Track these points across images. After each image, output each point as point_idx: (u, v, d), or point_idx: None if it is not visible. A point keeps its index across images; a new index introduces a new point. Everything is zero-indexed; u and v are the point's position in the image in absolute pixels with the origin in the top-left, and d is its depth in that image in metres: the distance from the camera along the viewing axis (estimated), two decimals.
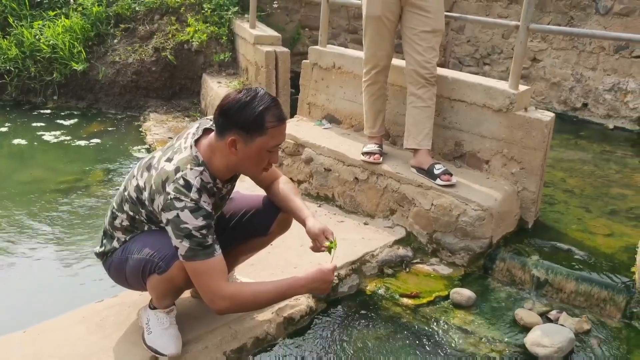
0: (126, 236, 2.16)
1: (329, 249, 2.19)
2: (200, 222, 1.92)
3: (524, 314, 2.69)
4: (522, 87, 3.24)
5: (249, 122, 1.93)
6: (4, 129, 5.11)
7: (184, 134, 2.12)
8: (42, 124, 5.33)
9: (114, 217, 2.16)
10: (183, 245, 1.92)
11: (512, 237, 3.21)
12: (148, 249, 2.06)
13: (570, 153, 4.77)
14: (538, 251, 3.04)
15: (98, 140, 5.04)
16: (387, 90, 3.54)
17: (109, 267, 2.23)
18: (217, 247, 1.98)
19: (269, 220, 2.34)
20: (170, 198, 1.91)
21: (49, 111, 5.75)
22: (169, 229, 1.94)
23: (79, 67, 5.88)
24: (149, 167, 2.05)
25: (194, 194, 1.93)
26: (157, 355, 2.15)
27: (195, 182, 1.95)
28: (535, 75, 6.16)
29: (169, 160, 2.00)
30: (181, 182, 1.93)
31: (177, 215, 1.90)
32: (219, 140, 1.99)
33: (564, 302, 2.82)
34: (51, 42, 5.92)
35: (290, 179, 3.79)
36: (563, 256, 3.01)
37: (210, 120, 2.11)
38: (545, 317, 2.71)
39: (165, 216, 1.93)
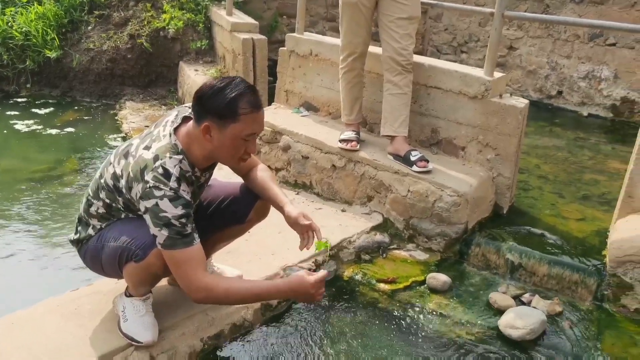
0: (102, 223, 2.14)
1: (320, 246, 2.19)
2: (179, 211, 1.91)
3: (498, 297, 2.73)
4: (497, 74, 3.27)
5: (221, 108, 1.92)
6: None
7: (162, 121, 2.10)
8: (16, 113, 5.23)
9: (89, 204, 2.14)
10: (162, 234, 1.91)
11: (488, 222, 3.25)
12: (125, 237, 2.04)
13: (545, 140, 4.84)
14: (512, 236, 3.09)
15: (73, 129, 4.96)
16: (364, 78, 3.54)
17: (84, 255, 2.21)
18: (195, 235, 1.97)
19: (246, 207, 2.33)
20: (149, 186, 1.89)
21: (23, 100, 5.65)
22: (147, 217, 1.92)
23: (52, 55, 5.78)
24: (126, 155, 2.03)
25: (173, 183, 1.91)
26: (133, 343, 2.14)
27: (174, 170, 1.93)
28: (512, 64, 6.22)
29: (147, 148, 1.98)
30: (160, 170, 1.91)
31: (156, 204, 1.89)
32: (196, 128, 1.98)
33: (537, 286, 2.88)
34: (24, 29, 5.80)
35: (268, 166, 3.79)
36: (537, 241, 3.06)
37: (189, 108, 2.09)
38: (518, 300, 2.76)
39: (144, 204, 1.91)
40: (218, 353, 2.32)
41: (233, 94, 1.92)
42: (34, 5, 5.96)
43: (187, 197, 1.95)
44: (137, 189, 1.93)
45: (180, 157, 1.98)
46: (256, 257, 2.82)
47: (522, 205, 3.46)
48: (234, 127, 1.94)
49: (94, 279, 2.46)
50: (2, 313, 2.27)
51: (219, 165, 2.28)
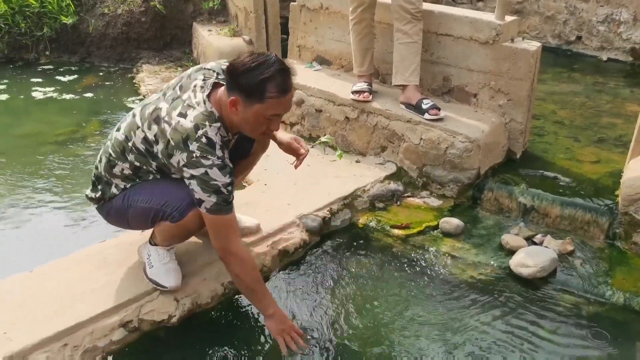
0: (126, 184, 2.21)
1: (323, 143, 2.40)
2: (227, 179, 2.01)
3: (509, 239, 2.79)
4: (509, 18, 3.24)
5: (250, 88, 1.95)
6: (1, 87, 5.14)
7: (189, 84, 2.12)
8: (39, 80, 5.34)
9: (111, 164, 2.19)
10: (210, 200, 2.00)
11: (500, 167, 3.28)
12: (157, 199, 2.14)
13: (562, 86, 4.78)
14: (525, 180, 3.11)
15: (93, 94, 5.06)
16: (375, 29, 3.54)
17: (108, 211, 2.29)
18: (233, 202, 2.09)
19: (249, 142, 2.40)
20: (196, 156, 1.96)
21: (47, 67, 5.74)
22: (193, 183, 2.00)
23: (68, 21, 5.83)
24: (157, 120, 2.06)
25: (218, 151, 1.99)
26: (158, 288, 2.27)
27: (216, 139, 2.00)
28: (530, 10, 6.08)
29: (183, 115, 2.02)
30: (204, 140, 1.97)
31: (206, 173, 1.97)
32: (226, 97, 2.02)
33: (550, 227, 2.92)
34: None
35: (283, 121, 3.86)
36: (550, 184, 3.08)
37: (212, 70, 2.15)
38: (530, 241, 2.82)
39: (190, 172, 1.98)
40: (238, 297, 2.44)
41: (263, 76, 1.93)
42: None
43: (230, 164, 2.04)
44: (180, 157, 1.99)
45: (219, 124, 2.03)
46: (273, 207, 2.91)
47: (536, 150, 3.47)
48: (259, 107, 1.98)
49: (119, 232, 2.57)
50: (34, 264, 2.41)
51: None
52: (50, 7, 5.83)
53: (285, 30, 4.68)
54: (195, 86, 2.10)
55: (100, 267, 2.38)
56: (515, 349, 2.23)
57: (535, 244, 2.78)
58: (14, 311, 2.12)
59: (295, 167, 2.43)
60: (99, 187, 2.27)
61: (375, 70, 3.66)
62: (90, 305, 2.16)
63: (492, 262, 2.70)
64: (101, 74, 5.66)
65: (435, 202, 3.16)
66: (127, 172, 2.19)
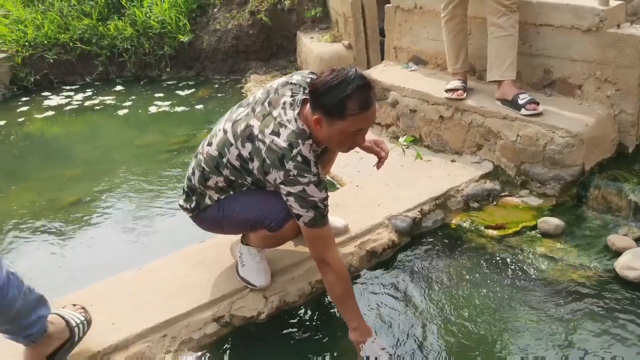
0: (220, 195, 2.30)
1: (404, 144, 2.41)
2: (324, 194, 2.09)
3: (616, 240, 2.59)
4: (614, 3, 3.01)
5: (331, 107, 1.99)
6: (129, 102, 5.68)
7: (278, 101, 2.16)
8: (161, 95, 5.82)
9: (205, 177, 2.28)
10: (307, 215, 2.09)
11: (610, 163, 3.05)
12: (255, 211, 2.25)
13: None
14: (637, 176, 2.87)
15: (204, 105, 5.42)
16: (469, 24, 3.45)
17: (202, 220, 2.41)
18: (328, 216, 2.16)
19: None
20: (293, 174, 2.04)
21: (169, 82, 6.24)
22: (290, 199, 2.08)
23: (185, 39, 6.29)
24: (250, 138, 2.13)
25: (314, 169, 2.07)
26: (248, 286, 2.39)
27: (310, 156, 2.07)
28: None
29: (276, 134, 2.08)
30: (299, 159, 2.04)
31: (304, 190, 2.05)
32: (311, 115, 2.07)
33: None
34: (160, 18, 6.37)
35: (378, 123, 3.88)
36: None
37: (297, 84, 2.19)
38: None
39: (288, 189, 2.07)
40: (325, 297, 2.49)
41: (344, 94, 1.96)
42: None
43: (324, 179, 2.13)
44: (277, 175, 2.07)
45: (310, 141, 2.09)
46: (363, 208, 2.93)
47: None
48: (342, 124, 2.01)
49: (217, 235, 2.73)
50: (140, 263, 2.64)
51: None
52: (170, 27, 6.34)
53: (383, 33, 4.69)
54: (284, 103, 2.15)
55: (198, 266, 2.55)
56: None
57: None
58: (123, 304, 2.35)
59: (377, 168, 2.44)
60: (193, 197, 2.37)
61: (470, 67, 3.57)
62: (187, 300, 2.33)
63: (595, 265, 2.52)
64: (216, 86, 6.05)
65: (535, 201, 3.01)
66: (221, 184, 2.28)
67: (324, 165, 2.54)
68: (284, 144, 2.05)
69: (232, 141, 2.19)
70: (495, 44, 3.18)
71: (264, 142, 2.09)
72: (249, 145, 2.14)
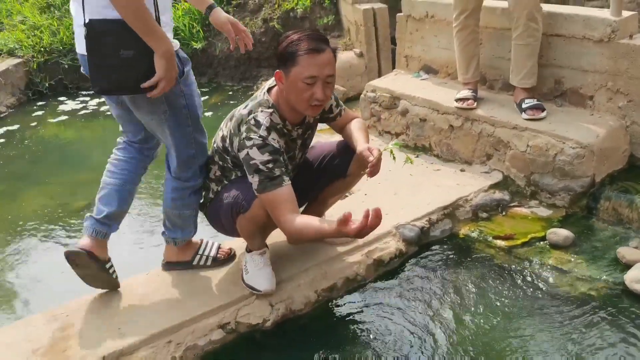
0: (218, 187, 2.39)
1: (391, 151, 2.29)
2: (266, 157, 2.09)
3: (626, 252, 2.56)
4: (626, 13, 2.99)
5: (286, 55, 2.09)
6: None
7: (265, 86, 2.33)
8: None
9: (208, 170, 2.41)
10: (254, 180, 2.11)
11: (621, 174, 3.02)
12: (234, 192, 2.28)
13: None
14: None
15: (216, 111, 5.46)
16: (480, 35, 3.44)
17: (209, 216, 2.49)
18: (285, 178, 2.11)
19: (345, 161, 2.46)
20: (242, 138, 2.12)
21: None
22: (245, 167, 2.14)
23: (198, 46, 6.34)
24: (231, 117, 2.29)
25: (262, 132, 2.11)
26: (254, 292, 2.40)
27: (264, 121, 2.14)
28: None
29: (245, 106, 2.23)
30: (252, 122, 2.14)
31: (247, 154, 2.11)
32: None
33: None
34: (174, 25, 6.44)
35: (388, 132, 3.88)
36: None
37: None
38: None
39: (240, 156, 2.14)
40: (331, 305, 2.49)
41: (295, 38, 2.08)
42: (180, 2, 6.58)
43: (276, 145, 2.13)
44: (236, 142, 2.16)
45: (271, 110, 2.18)
46: None
47: None
48: (294, 70, 2.08)
49: (226, 239, 2.73)
50: (147, 268, 2.66)
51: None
52: (183, 34, 6.39)
53: (395, 41, 4.70)
54: (265, 85, 2.30)
55: (205, 272, 2.56)
56: None
57: None
58: (129, 310, 2.36)
59: (368, 175, 2.32)
60: (204, 193, 2.48)
61: (481, 77, 3.56)
62: (192, 306, 2.34)
63: (604, 277, 2.49)
64: (230, 93, 6.08)
65: (544, 212, 2.99)
66: (217, 173, 2.38)
67: (338, 190, 2.59)
68: (245, 112, 2.18)
69: (222, 126, 2.35)
70: (514, 51, 3.20)
71: (236, 117, 2.23)
72: (228, 124, 2.27)
